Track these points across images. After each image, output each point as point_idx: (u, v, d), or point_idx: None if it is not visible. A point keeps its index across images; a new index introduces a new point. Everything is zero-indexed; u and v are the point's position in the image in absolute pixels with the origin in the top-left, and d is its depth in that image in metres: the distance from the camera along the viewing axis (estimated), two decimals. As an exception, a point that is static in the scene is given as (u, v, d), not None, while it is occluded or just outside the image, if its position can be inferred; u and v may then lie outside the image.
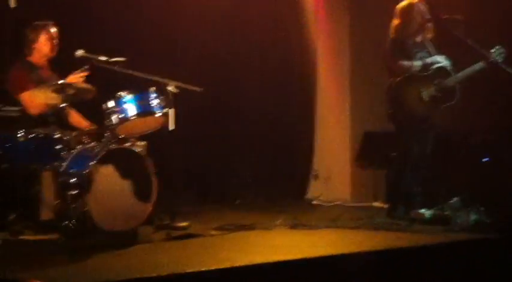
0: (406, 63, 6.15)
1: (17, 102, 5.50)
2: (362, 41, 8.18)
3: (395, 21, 6.25)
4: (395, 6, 6.34)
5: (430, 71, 6.19)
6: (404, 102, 6.18)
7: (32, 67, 5.68)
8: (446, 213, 5.80)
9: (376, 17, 7.77)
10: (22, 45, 5.75)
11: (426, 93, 6.14)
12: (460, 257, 5.02)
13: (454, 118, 6.82)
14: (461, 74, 6.20)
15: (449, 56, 6.29)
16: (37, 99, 5.33)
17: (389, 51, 6.23)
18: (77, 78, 5.43)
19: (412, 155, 6.18)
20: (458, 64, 6.27)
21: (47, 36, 5.69)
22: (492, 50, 6.10)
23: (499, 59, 6.09)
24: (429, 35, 6.32)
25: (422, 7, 6.21)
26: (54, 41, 5.72)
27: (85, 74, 5.46)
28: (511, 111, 6.92)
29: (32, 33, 5.71)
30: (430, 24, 6.27)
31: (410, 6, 6.22)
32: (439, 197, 6.21)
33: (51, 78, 5.66)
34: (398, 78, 6.16)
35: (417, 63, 6.17)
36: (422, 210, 5.95)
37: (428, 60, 6.20)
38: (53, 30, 5.72)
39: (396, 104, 6.21)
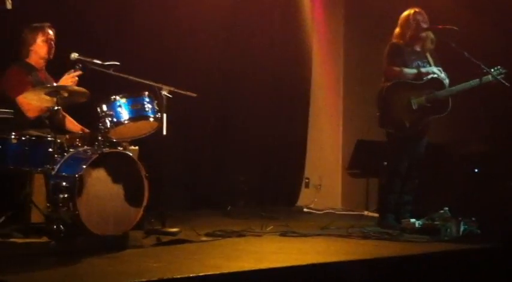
0: (396, 68, 6.18)
1: (10, 105, 5.47)
2: (356, 50, 8.23)
3: (396, 28, 6.32)
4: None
5: (424, 81, 6.21)
6: (392, 107, 6.21)
7: (30, 69, 5.64)
8: (436, 223, 5.83)
9: (371, 25, 7.83)
10: (20, 47, 5.72)
11: (416, 101, 6.16)
12: (450, 267, 5.04)
13: (446, 128, 6.85)
14: (454, 88, 6.22)
15: (447, 68, 6.29)
16: (32, 101, 5.31)
17: (386, 55, 6.28)
18: (69, 79, 5.42)
19: (400, 163, 6.21)
20: (454, 76, 6.28)
21: (43, 38, 5.65)
22: (492, 70, 6.04)
23: (496, 80, 6.03)
24: (431, 46, 6.34)
25: (421, 17, 6.24)
26: (51, 43, 5.68)
27: (77, 73, 5.43)
28: (504, 122, 6.96)
29: (29, 35, 5.65)
30: (429, 34, 6.29)
31: (408, 14, 6.28)
32: (429, 206, 6.23)
33: (48, 80, 5.64)
34: (389, 83, 6.19)
35: (409, 71, 6.19)
36: (412, 220, 5.97)
37: (424, 69, 6.22)
38: (50, 32, 5.69)
39: (384, 108, 6.24)
